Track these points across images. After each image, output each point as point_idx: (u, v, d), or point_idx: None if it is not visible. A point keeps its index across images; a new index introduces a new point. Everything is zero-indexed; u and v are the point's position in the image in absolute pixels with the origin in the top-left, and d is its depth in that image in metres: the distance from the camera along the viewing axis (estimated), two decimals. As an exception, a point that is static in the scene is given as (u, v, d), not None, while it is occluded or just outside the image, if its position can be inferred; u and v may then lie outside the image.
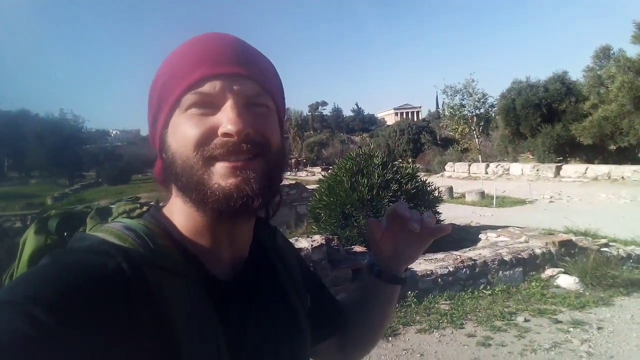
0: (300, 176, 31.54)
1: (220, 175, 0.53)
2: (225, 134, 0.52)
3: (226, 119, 0.52)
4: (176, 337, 0.49)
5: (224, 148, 0.52)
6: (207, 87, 0.53)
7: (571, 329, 4.04)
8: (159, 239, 0.55)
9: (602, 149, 20.46)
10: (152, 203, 0.67)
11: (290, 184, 11.52)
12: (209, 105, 0.54)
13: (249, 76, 0.55)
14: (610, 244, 6.37)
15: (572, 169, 18.74)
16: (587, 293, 4.88)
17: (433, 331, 4.12)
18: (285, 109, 0.67)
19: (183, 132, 0.54)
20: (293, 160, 43.82)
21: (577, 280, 5.06)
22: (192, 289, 0.53)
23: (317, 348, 0.82)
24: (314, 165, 42.63)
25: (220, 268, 0.59)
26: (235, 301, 0.59)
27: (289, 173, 36.34)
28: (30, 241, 0.62)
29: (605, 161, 19.86)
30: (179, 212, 0.59)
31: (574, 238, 6.10)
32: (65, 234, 0.63)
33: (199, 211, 0.56)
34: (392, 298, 0.81)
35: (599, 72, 20.37)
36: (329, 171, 7.71)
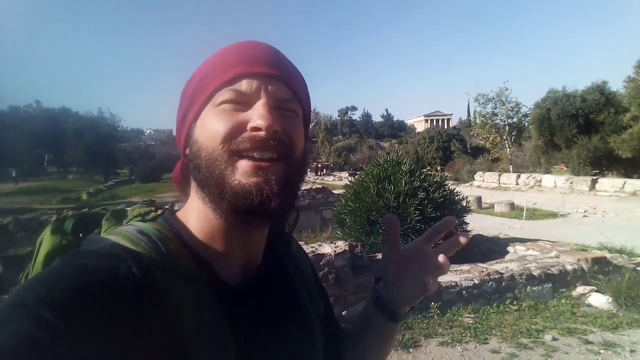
0: (327, 180, 31.55)
1: (243, 172, 0.53)
2: (255, 128, 0.53)
3: (257, 115, 0.53)
4: (185, 342, 0.49)
5: (251, 142, 0.53)
6: (242, 84, 0.55)
7: (602, 351, 3.87)
8: (171, 244, 0.55)
9: (642, 163, 19.61)
10: (166, 207, 0.67)
11: (317, 188, 11.53)
12: (241, 102, 0.55)
13: (283, 80, 0.57)
14: (648, 263, 6.08)
15: (609, 183, 18.01)
16: (620, 314, 4.67)
17: (455, 345, 4.03)
18: (310, 117, 0.68)
19: (212, 125, 0.55)
20: (320, 165, 43.91)
21: (610, 299, 4.86)
22: (203, 295, 0.53)
23: None
24: (341, 170, 42.58)
25: (232, 274, 0.59)
26: (246, 308, 0.59)
27: (315, 177, 36.46)
28: (46, 241, 0.63)
29: (645, 176, 19.02)
30: (195, 214, 0.59)
31: (608, 255, 5.86)
32: (80, 235, 0.63)
33: (215, 210, 0.56)
34: (390, 335, 0.77)
35: (640, 83, 19.54)
36: (356, 176, 7.69)
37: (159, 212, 0.65)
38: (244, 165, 0.53)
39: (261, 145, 0.53)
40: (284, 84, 0.57)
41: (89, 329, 0.42)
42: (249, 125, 0.53)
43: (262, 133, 0.53)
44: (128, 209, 0.67)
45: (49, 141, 45.98)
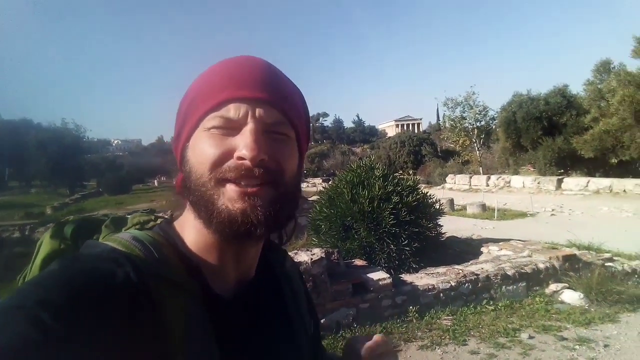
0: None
1: (229, 197, 0.53)
2: (240, 157, 0.53)
3: (243, 143, 0.53)
4: (174, 351, 0.49)
5: (237, 171, 0.53)
6: (230, 109, 0.54)
7: (577, 347, 3.93)
8: (164, 253, 0.55)
9: (604, 162, 20.37)
10: (166, 216, 0.68)
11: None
12: (230, 127, 0.54)
13: (272, 103, 0.56)
14: (615, 258, 6.27)
15: (574, 182, 18.66)
16: (592, 309, 4.78)
17: (435, 348, 4.02)
18: (309, 138, 0.67)
19: (202, 150, 0.55)
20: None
21: (582, 295, 4.97)
22: (194, 305, 0.53)
23: None
24: (315, 176, 42.56)
25: (224, 286, 0.60)
26: (235, 320, 0.59)
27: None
28: (45, 245, 0.63)
29: (606, 174, 19.75)
30: (190, 226, 0.60)
31: (577, 252, 6.01)
32: (79, 240, 0.63)
33: (207, 228, 0.56)
34: None
35: (599, 86, 20.35)
36: (330, 182, 7.65)
37: (158, 221, 0.66)
38: (230, 191, 0.53)
39: (246, 175, 0.53)
40: (273, 107, 0.56)
41: (87, 332, 0.42)
42: (235, 155, 0.53)
43: (247, 162, 0.52)
44: (129, 216, 0.68)
45: (9, 154, 44.02)
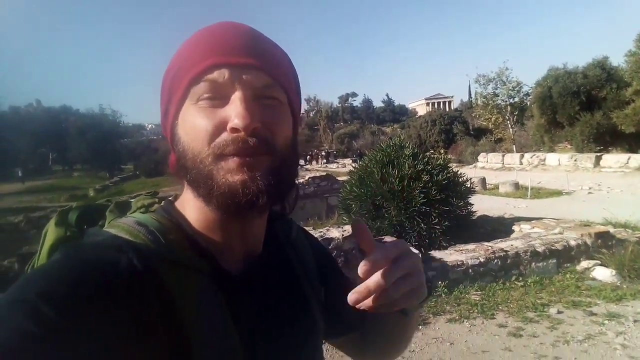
0: (330, 168, 31.63)
1: (228, 170, 0.52)
2: (233, 129, 0.51)
3: (234, 113, 0.51)
4: (187, 331, 0.49)
5: (234, 145, 0.51)
6: (215, 77, 0.52)
7: (606, 322, 3.98)
8: (170, 234, 0.55)
9: (646, 138, 19.54)
10: (170, 197, 0.66)
11: (321, 175, 11.63)
12: (218, 97, 0.53)
13: (260, 67, 0.54)
14: (652, 235, 6.16)
15: (613, 159, 17.99)
16: (624, 286, 4.78)
17: (463, 321, 4.16)
18: (301, 102, 0.65)
19: (193, 125, 0.53)
20: (323, 152, 43.93)
21: (614, 272, 4.96)
22: (204, 284, 0.53)
23: (340, 342, 0.83)
24: (344, 157, 42.59)
25: (233, 262, 0.59)
26: (247, 295, 0.59)
27: (319, 165, 36.50)
28: (50, 233, 0.63)
29: (649, 150, 18.96)
30: (190, 206, 0.59)
31: (611, 229, 5.95)
32: (85, 226, 0.63)
33: (207, 205, 0.55)
34: (404, 328, 0.74)
35: (642, 56, 19.36)
36: (359, 162, 7.76)
37: (162, 202, 0.65)
38: (229, 163, 0.52)
39: (243, 147, 0.51)
40: (261, 71, 0.54)
41: (90, 323, 0.42)
42: (228, 126, 0.51)
43: (241, 134, 0.51)
44: (132, 200, 0.67)
45: (51, 140, 46.31)
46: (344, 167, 29.77)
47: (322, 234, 4.55)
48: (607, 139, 21.53)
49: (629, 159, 17.34)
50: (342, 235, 4.48)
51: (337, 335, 0.81)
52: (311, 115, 71.02)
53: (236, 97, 0.52)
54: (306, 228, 0.84)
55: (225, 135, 0.52)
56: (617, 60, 23.08)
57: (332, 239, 4.42)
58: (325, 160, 40.36)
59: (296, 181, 0.62)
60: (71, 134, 42.56)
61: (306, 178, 11.21)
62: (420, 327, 4.05)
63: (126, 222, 0.56)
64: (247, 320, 0.57)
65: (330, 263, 0.82)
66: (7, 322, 0.40)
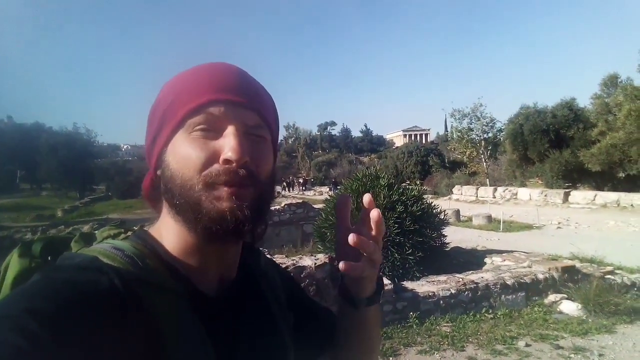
0: (307, 195, 31.63)
1: (218, 197, 0.55)
2: (226, 161, 0.55)
3: (228, 146, 0.55)
4: (167, 352, 0.50)
5: (225, 175, 0.55)
6: (212, 111, 0.56)
7: (572, 355, 4.04)
8: (146, 258, 0.56)
9: (611, 176, 20.38)
10: (136, 228, 0.67)
11: (297, 202, 11.61)
12: (212, 129, 0.56)
13: (252, 107, 0.58)
14: (616, 271, 6.36)
15: (581, 196, 18.64)
16: (589, 320, 4.87)
17: (434, 353, 4.14)
18: (278, 138, 0.69)
19: (185, 154, 0.56)
20: (300, 179, 43.98)
21: (579, 306, 5.07)
22: (182, 306, 0.55)
23: None
24: (322, 184, 42.75)
25: (208, 285, 0.61)
26: (223, 317, 0.61)
27: (296, 192, 36.44)
28: (13, 264, 0.61)
29: (614, 188, 19.74)
30: (169, 231, 0.60)
31: (578, 264, 6.11)
32: (49, 258, 0.62)
33: (190, 230, 0.57)
34: (361, 322, 0.75)
35: (606, 100, 20.47)
36: (334, 191, 7.79)
37: (129, 233, 0.65)
38: (219, 191, 0.55)
39: (233, 177, 0.55)
40: (252, 111, 0.58)
41: (74, 340, 0.43)
42: (221, 158, 0.55)
43: (233, 165, 0.54)
44: (96, 232, 0.67)
45: (21, 157, 44.74)
46: (320, 195, 29.80)
47: (294, 262, 4.52)
48: (574, 176, 22.37)
49: (595, 196, 17.99)
50: (315, 264, 4.46)
51: (314, 357, 0.83)
52: (290, 142, 71.45)
53: (230, 132, 0.56)
54: (280, 255, 0.86)
55: (217, 166, 0.55)
56: (584, 101, 24.35)
57: (304, 267, 4.39)
58: (303, 187, 40.37)
59: (268, 213, 0.65)
60: (42, 152, 41.25)
61: (282, 205, 11.16)
62: (391, 358, 4.01)
63: (103, 246, 0.57)
64: (223, 341, 0.58)
65: (297, 291, 0.85)
66: None
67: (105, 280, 0.50)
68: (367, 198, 0.65)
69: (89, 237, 0.66)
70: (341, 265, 0.62)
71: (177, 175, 0.56)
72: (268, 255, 0.87)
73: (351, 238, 0.60)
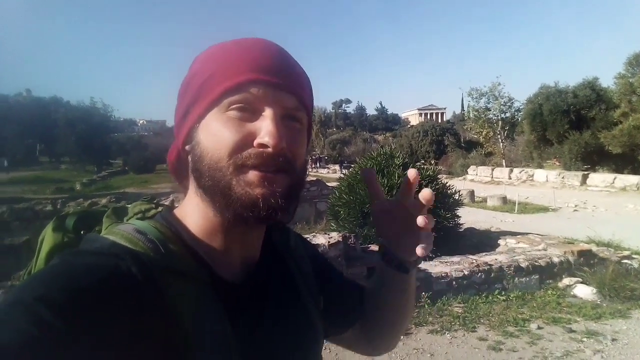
0: (321, 173, 31.66)
1: (249, 183, 0.53)
2: (262, 145, 0.53)
3: (265, 130, 0.53)
4: (186, 340, 0.50)
5: (258, 159, 0.53)
6: (251, 92, 0.54)
7: (585, 339, 4.03)
8: (169, 242, 0.55)
9: (632, 159, 19.89)
10: (167, 203, 0.67)
11: (311, 180, 11.62)
12: (249, 110, 0.54)
13: (291, 89, 0.56)
14: (633, 256, 6.25)
15: (600, 178, 18.28)
16: (604, 304, 4.84)
17: (445, 333, 4.17)
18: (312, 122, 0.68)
19: (219, 133, 0.54)
20: (314, 157, 43.97)
21: (594, 290, 5.03)
22: (203, 293, 0.54)
23: (344, 337, 0.83)
24: (335, 162, 42.69)
25: (231, 271, 0.60)
26: (246, 303, 0.60)
27: (310, 170, 36.49)
28: (48, 239, 0.62)
29: (634, 171, 19.27)
30: (195, 211, 0.59)
31: (594, 248, 6.03)
32: (82, 232, 0.63)
33: (218, 212, 0.56)
34: (404, 288, 0.75)
35: (630, 80, 19.75)
36: (350, 169, 7.78)
37: (160, 208, 0.65)
38: (250, 176, 0.53)
39: (268, 162, 0.53)
40: (291, 94, 0.56)
41: (88, 328, 0.42)
42: (257, 142, 0.53)
43: (269, 150, 0.53)
44: (129, 206, 0.67)
45: (40, 131, 45.56)
46: (334, 173, 29.81)
47: (308, 240, 4.56)
48: (594, 158, 21.90)
49: (614, 179, 17.62)
50: (328, 242, 4.48)
51: (340, 332, 0.82)
52: (312, 131, 71.02)
53: (268, 115, 0.54)
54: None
55: (251, 150, 0.53)
56: (607, 81, 23.60)
57: (318, 245, 4.42)
58: (314, 166, 40.41)
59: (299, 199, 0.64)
60: (60, 126, 41.87)
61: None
62: (402, 337, 4.05)
63: (125, 229, 0.56)
64: (246, 328, 0.57)
65: (327, 266, 0.84)
66: (7, 324, 0.40)
67: (122, 267, 0.49)
68: (413, 173, 0.63)
69: (121, 212, 0.66)
70: (420, 251, 0.62)
71: (207, 154, 0.54)
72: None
73: (422, 221, 0.60)
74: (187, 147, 0.58)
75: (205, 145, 0.55)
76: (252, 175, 0.53)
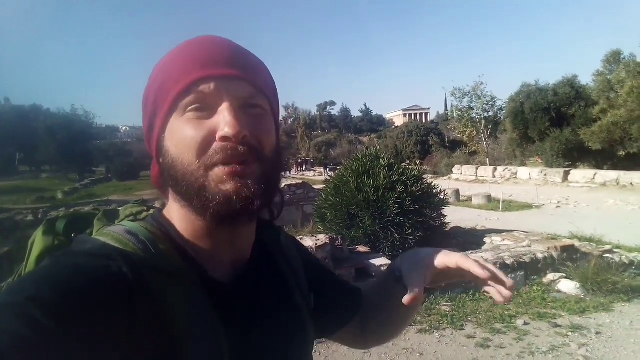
0: (307, 176, 31.66)
1: (219, 180, 0.53)
2: (224, 138, 0.52)
3: (223, 122, 0.52)
4: (178, 341, 0.50)
5: (223, 153, 0.53)
6: (201, 89, 0.53)
7: (570, 333, 4.09)
8: (160, 243, 0.55)
9: (612, 155, 20.31)
10: (157, 206, 0.67)
11: (297, 183, 11.60)
12: (205, 108, 0.54)
13: (243, 77, 0.55)
14: (615, 250, 6.38)
15: (581, 174, 18.62)
16: (587, 298, 4.92)
17: (433, 331, 4.20)
18: (280, 109, 0.67)
19: (182, 137, 0.54)
20: (300, 160, 43.96)
21: (578, 285, 5.11)
22: (194, 293, 0.54)
23: (338, 335, 0.85)
24: (321, 165, 42.74)
25: (221, 271, 0.60)
26: (237, 303, 0.59)
27: (295, 173, 36.47)
28: (38, 242, 0.62)
29: (614, 167, 19.67)
30: (178, 217, 0.59)
31: (577, 243, 6.13)
32: (73, 235, 0.63)
33: (199, 216, 0.56)
34: (413, 306, 0.73)
35: (608, 77, 20.20)
36: (336, 172, 7.79)
37: (151, 211, 0.66)
38: (218, 173, 0.53)
39: (233, 154, 0.53)
40: (245, 81, 0.55)
41: (79, 328, 0.42)
42: (218, 135, 0.53)
43: (231, 142, 0.52)
44: (120, 208, 0.67)
45: (19, 140, 44.58)
46: (320, 175, 29.83)
47: (295, 243, 4.55)
48: (575, 154, 22.33)
49: (595, 174, 17.97)
50: (316, 244, 4.48)
51: (333, 331, 0.83)
52: (289, 122, 71.08)
53: (224, 108, 0.53)
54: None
55: (215, 145, 0.53)
56: (586, 79, 24.07)
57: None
58: (300, 169, 40.37)
59: (280, 187, 0.63)
60: (40, 134, 41.09)
61: (282, 185, 11.15)
62: (391, 337, 4.06)
63: (116, 230, 0.56)
64: (237, 328, 0.57)
65: (317, 266, 0.84)
66: None
67: (114, 267, 0.49)
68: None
69: (112, 215, 0.66)
70: (406, 299, 0.65)
71: (177, 161, 0.54)
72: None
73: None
74: (160, 160, 0.58)
75: (173, 153, 0.55)
76: (220, 171, 0.53)
